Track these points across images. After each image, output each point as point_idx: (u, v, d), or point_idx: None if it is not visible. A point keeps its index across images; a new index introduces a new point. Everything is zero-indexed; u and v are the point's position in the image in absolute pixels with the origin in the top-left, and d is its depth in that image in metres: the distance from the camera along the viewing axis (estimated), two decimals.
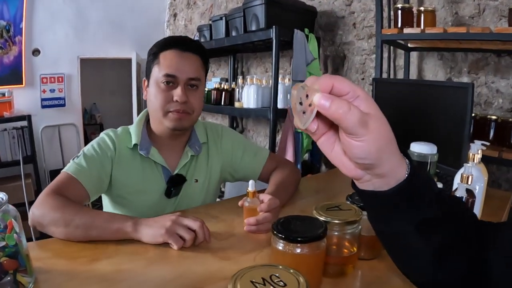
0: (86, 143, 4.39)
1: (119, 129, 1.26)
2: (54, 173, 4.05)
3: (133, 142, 1.19)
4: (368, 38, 2.42)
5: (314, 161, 2.51)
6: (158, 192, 1.21)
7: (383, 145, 0.44)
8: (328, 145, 0.48)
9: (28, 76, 3.97)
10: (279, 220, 0.72)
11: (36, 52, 4.02)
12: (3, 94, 3.63)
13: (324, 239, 0.69)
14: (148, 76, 1.23)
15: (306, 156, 2.55)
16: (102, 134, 1.24)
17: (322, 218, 0.75)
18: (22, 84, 3.92)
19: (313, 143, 2.47)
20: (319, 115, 0.43)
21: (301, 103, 0.44)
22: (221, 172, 1.36)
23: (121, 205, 1.24)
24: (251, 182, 1.03)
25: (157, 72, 1.16)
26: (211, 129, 1.38)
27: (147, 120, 1.27)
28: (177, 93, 1.13)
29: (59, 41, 4.07)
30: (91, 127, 5.36)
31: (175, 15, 4.38)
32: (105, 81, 5.59)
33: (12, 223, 0.71)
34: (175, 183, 1.22)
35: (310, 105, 0.43)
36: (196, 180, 1.28)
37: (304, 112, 0.44)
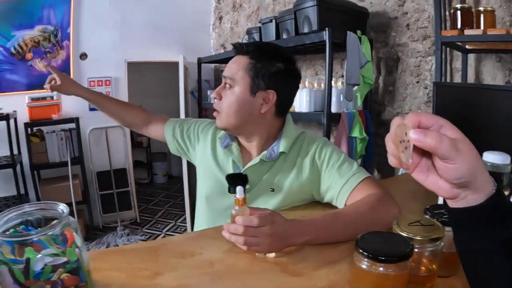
0: (133, 144, 4.55)
1: None
2: (101, 174, 4.21)
3: (219, 136, 1.32)
4: (422, 40, 2.34)
5: (366, 167, 2.45)
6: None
7: (475, 163, 0.50)
8: (423, 174, 0.54)
9: (76, 80, 4.07)
10: (362, 236, 0.70)
11: (83, 56, 4.17)
12: (52, 97, 3.80)
13: (410, 258, 0.66)
14: None
15: (359, 161, 2.50)
16: (206, 120, 1.46)
17: (405, 235, 0.72)
18: None
19: (366, 148, 2.41)
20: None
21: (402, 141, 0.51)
22: (302, 189, 1.23)
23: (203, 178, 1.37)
24: (238, 188, 0.91)
25: None
26: (304, 140, 1.26)
27: None
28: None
29: (106, 45, 4.20)
30: None
31: (220, 18, 4.41)
32: (150, 83, 5.71)
33: (74, 236, 0.67)
34: (232, 181, 1.20)
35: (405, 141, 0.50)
36: (273, 190, 1.23)
37: (406, 148, 0.50)
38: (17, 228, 0.68)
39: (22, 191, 3.81)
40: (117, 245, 3.87)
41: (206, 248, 0.95)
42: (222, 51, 4.33)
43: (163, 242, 1.08)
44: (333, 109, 2.38)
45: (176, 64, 4.05)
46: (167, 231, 4.23)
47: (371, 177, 1.17)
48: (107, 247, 3.85)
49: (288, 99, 1.27)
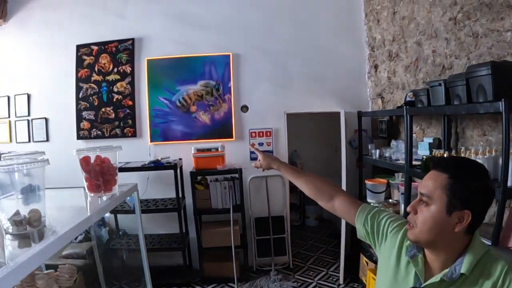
0: (289, 190, 4.72)
1: None
2: (260, 220, 4.43)
3: (406, 243, 1.30)
4: None
5: None
6: None
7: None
8: None
9: (238, 131, 4.47)
10: None
11: (244, 108, 4.51)
12: (217, 149, 4.16)
13: None
14: None
15: None
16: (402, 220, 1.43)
17: None
18: (232, 138, 4.44)
19: None
20: None
21: None
22: None
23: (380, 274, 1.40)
24: None
25: None
26: (487, 261, 1.15)
27: None
28: None
29: (266, 97, 4.50)
30: None
31: (376, 66, 4.33)
32: (305, 130, 5.88)
33: None
34: None
35: None
36: None
37: None
38: None
39: (184, 230, 4.28)
40: None
41: None
42: (380, 101, 4.23)
43: None
44: (509, 182, 2.09)
45: (332, 114, 4.10)
46: (319, 279, 4.21)
47: None
48: None
49: (482, 217, 1.20)
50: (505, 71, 2.09)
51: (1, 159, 1.43)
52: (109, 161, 1.56)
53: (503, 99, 1.97)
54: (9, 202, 1.06)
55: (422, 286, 1.19)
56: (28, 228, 1.07)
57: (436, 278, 1.17)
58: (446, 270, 1.16)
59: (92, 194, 1.53)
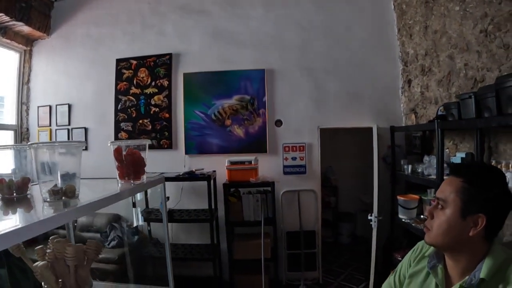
0: (323, 206, 4.72)
1: None
2: (291, 234, 4.44)
3: (427, 254, 1.35)
4: None
5: None
6: None
7: None
8: None
9: (271, 145, 4.52)
10: None
11: (278, 122, 4.57)
12: (250, 162, 4.21)
13: None
14: None
15: None
16: (419, 242, 1.44)
17: None
18: (266, 152, 4.49)
19: None
20: None
21: None
22: None
23: None
24: None
25: None
26: (509, 266, 1.14)
27: None
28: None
29: (300, 112, 4.55)
30: (326, 189, 5.61)
31: (409, 82, 4.32)
32: (340, 146, 5.88)
33: None
34: None
35: None
36: None
37: None
38: None
39: (216, 241, 4.32)
40: None
41: None
42: (413, 116, 4.21)
43: None
44: None
45: (366, 129, 4.10)
46: None
47: None
48: None
49: (499, 223, 1.20)
50: None
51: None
52: (139, 154, 1.72)
53: None
54: (50, 183, 1.21)
55: None
56: (64, 199, 1.20)
57: (455, 287, 1.17)
58: (466, 278, 1.16)
59: (123, 182, 1.68)
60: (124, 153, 1.66)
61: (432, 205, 1.26)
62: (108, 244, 4.37)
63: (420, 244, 1.43)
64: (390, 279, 1.48)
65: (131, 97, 4.72)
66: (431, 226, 1.24)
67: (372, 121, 4.30)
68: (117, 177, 1.69)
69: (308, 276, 4.48)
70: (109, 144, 1.69)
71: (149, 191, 4.37)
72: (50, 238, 1.41)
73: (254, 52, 4.62)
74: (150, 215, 4.27)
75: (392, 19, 4.61)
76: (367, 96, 4.54)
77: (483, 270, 1.14)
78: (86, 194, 1.31)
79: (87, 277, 1.33)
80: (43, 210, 1.17)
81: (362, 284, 4.42)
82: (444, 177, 2.94)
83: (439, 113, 3.25)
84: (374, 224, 3.82)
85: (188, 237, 4.55)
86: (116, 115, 4.74)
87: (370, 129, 4.20)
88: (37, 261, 1.37)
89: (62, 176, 1.23)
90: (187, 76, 4.63)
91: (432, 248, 1.33)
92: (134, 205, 4.24)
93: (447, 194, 1.20)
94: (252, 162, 4.21)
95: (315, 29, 4.62)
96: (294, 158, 4.47)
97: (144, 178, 1.75)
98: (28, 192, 1.37)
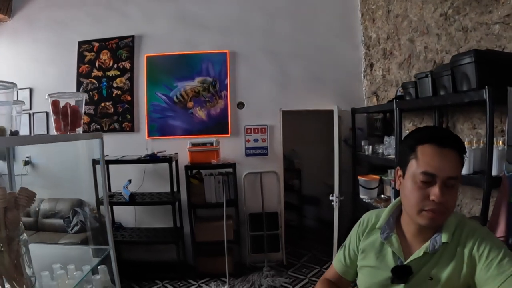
0: (285, 188, 4.74)
1: (381, 210, 1.40)
2: (254, 216, 4.45)
3: (378, 226, 1.33)
4: None
5: None
6: (387, 275, 1.23)
7: None
8: None
9: (233, 127, 4.52)
10: None
11: (240, 104, 4.57)
12: (211, 143, 4.21)
13: None
14: (403, 168, 1.21)
15: None
16: (363, 215, 1.45)
17: None
18: (227, 134, 4.50)
19: None
20: None
21: None
22: (459, 280, 1.14)
23: (361, 274, 1.39)
24: None
25: (415, 168, 1.14)
26: (463, 229, 1.18)
27: (400, 208, 1.32)
28: (435, 192, 1.10)
29: (263, 95, 4.55)
30: (289, 172, 5.63)
31: (371, 65, 4.38)
32: (303, 130, 5.89)
33: None
34: (397, 273, 1.20)
35: None
36: (431, 278, 1.16)
37: None
38: None
39: (178, 225, 4.33)
40: (262, 285, 4.02)
41: None
42: (375, 99, 4.27)
43: None
44: (494, 172, 2.12)
45: (329, 112, 4.14)
46: (312, 276, 4.22)
47: None
48: (251, 285, 4.03)
49: None
50: (489, 59, 2.12)
51: None
52: (76, 107, 1.79)
53: (486, 87, 2.00)
54: None
55: (406, 263, 1.21)
56: None
57: (419, 253, 1.19)
58: (427, 244, 1.18)
59: (58, 133, 1.77)
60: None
61: (439, 191, 1.10)
62: (71, 230, 4.31)
63: (365, 217, 1.43)
64: (339, 255, 1.48)
65: (93, 80, 4.63)
66: (448, 209, 1.13)
67: (335, 104, 4.35)
68: (54, 129, 1.77)
69: (272, 258, 4.52)
70: (46, 97, 1.74)
71: (111, 170, 4.34)
72: None
73: (218, 35, 4.58)
74: (112, 198, 4.22)
75: (356, 4, 4.66)
76: (330, 80, 4.57)
77: (444, 234, 1.16)
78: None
79: (17, 221, 1.30)
80: None
81: (325, 265, 4.49)
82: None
83: (398, 93, 3.31)
84: (335, 205, 3.86)
85: (152, 221, 4.51)
86: None
87: (332, 112, 4.23)
88: None
89: None
90: (149, 59, 4.56)
91: (381, 219, 1.33)
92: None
93: (458, 171, 1.13)
94: (214, 144, 4.21)
95: (280, 13, 4.61)
96: (256, 140, 4.48)
97: (81, 130, 1.82)
98: None
